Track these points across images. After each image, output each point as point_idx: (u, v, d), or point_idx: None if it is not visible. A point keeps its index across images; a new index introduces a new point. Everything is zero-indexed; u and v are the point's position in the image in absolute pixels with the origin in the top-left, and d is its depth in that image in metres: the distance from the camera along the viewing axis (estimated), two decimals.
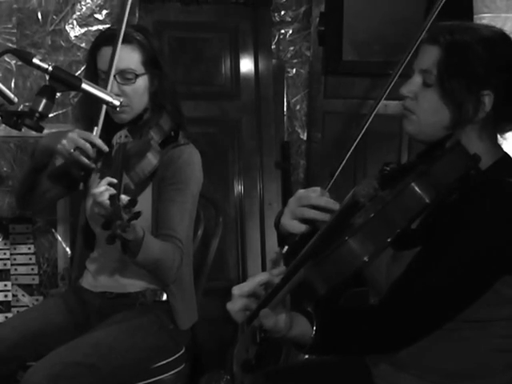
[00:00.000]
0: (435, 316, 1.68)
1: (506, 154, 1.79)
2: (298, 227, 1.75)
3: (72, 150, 2.28)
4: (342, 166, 1.88)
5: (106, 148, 2.31)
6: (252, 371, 1.63)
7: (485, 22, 2.81)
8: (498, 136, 1.80)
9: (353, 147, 1.85)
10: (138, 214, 2.02)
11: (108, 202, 2.05)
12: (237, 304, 1.62)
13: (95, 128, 2.33)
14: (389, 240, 1.53)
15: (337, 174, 1.86)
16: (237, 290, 1.63)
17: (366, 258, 1.51)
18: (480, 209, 1.64)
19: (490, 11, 2.82)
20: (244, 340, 1.62)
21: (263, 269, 3.36)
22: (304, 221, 1.75)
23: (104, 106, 2.34)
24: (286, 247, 1.79)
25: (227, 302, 1.65)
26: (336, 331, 1.68)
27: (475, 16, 2.84)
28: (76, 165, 2.30)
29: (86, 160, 2.28)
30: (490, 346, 1.73)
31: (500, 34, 1.75)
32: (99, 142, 2.30)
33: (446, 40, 1.71)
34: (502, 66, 1.71)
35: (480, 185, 1.65)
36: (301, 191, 1.79)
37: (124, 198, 2.04)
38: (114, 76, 2.36)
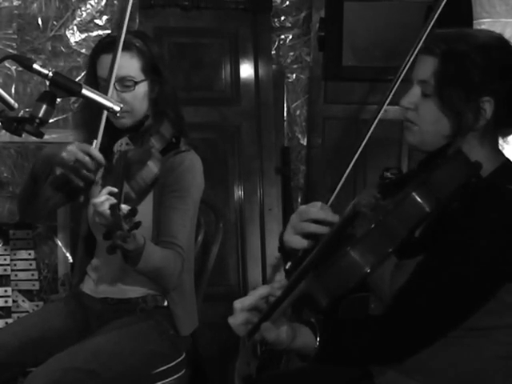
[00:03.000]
0: (439, 326, 1.68)
1: (507, 159, 1.79)
2: (300, 242, 1.75)
3: (72, 163, 2.28)
4: (342, 181, 1.88)
5: (103, 162, 2.31)
6: None
7: (484, 27, 2.81)
8: (500, 140, 1.80)
9: (353, 162, 1.86)
10: (138, 224, 2.02)
11: (109, 211, 2.05)
12: (238, 318, 1.62)
13: (94, 141, 2.33)
14: (390, 250, 1.54)
15: (337, 189, 1.87)
16: (238, 303, 1.64)
17: (367, 269, 1.52)
18: (480, 217, 1.64)
19: (489, 16, 2.82)
20: (245, 354, 1.63)
21: (263, 274, 3.36)
22: (306, 236, 1.75)
23: (103, 119, 2.33)
24: (289, 263, 1.79)
25: (228, 307, 1.66)
26: (340, 342, 1.68)
27: (475, 21, 2.84)
28: (76, 177, 2.29)
29: (85, 172, 2.28)
30: (494, 352, 1.72)
31: (496, 39, 1.75)
32: (98, 155, 2.29)
33: (441, 50, 1.71)
34: (500, 71, 1.71)
35: (480, 192, 1.65)
36: (302, 207, 1.79)
37: (124, 207, 2.05)
38: (114, 83, 2.36)
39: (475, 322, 1.68)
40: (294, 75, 3.62)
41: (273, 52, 3.58)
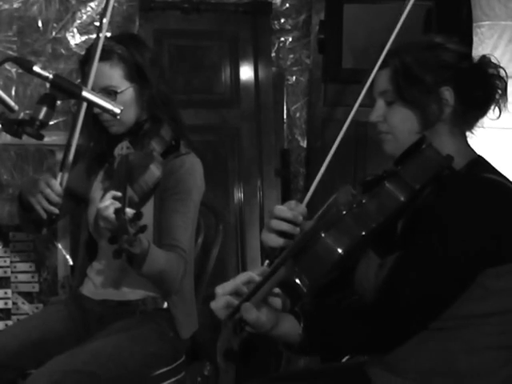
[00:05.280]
0: (422, 312, 1.72)
1: (479, 155, 1.86)
2: (276, 241, 1.82)
3: (36, 194, 2.29)
4: (317, 180, 1.96)
5: (60, 199, 2.31)
6: (235, 360, 1.68)
7: (484, 29, 2.83)
8: (470, 135, 1.89)
9: (327, 161, 1.94)
10: (144, 228, 2.03)
11: (114, 216, 2.04)
12: (220, 302, 1.67)
13: (60, 174, 2.34)
14: (363, 233, 1.62)
15: (313, 187, 1.95)
16: (220, 288, 1.69)
17: (341, 251, 1.59)
18: (455, 205, 1.70)
19: (488, 19, 2.82)
20: (226, 333, 1.67)
21: None
22: (280, 234, 1.82)
23: (74, 146, 2.34)
24: (267, 261, 1.85)
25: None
26: (323, 330, 1.72)
27: (474, 24, 2.85)
28: (39, 207, 2.31)
29: (46, 204, 2.29)
30: (485, 343, 1.74)
31: (438, 37, 1.88)
32: (57, 190, 2.30)
33: (393, 60, 1.85)
34: (449, 61, 1.82)
35: (455, 182, 1.72)
36: (277, 206, 1.87)
37: (129, 211, 2.04)
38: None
39: (457, 309, 1.71)
40: (294, 77, 3.62)
41: (273, 54, 3.58)
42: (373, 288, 1.76)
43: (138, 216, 2.02)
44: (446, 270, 1.69)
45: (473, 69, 1.84)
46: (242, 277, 1.71)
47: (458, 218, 1.69)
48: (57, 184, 2.31)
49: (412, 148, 1.77)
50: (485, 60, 1.86)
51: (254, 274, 1.72)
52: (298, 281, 1.58)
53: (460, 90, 1.81)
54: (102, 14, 2.39)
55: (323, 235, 1.60)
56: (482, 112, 1.87)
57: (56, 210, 2.31)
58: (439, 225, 1.70)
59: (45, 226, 2.38)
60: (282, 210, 1.83)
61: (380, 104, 1.87)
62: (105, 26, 2.34)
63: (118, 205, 2.08)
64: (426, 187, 1.68)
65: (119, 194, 2.14)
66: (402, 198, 1.65)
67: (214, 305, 1.67)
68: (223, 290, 1.68)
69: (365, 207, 1.64)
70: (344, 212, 1.63)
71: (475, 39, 2.80)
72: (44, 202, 2.29)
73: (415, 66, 1.81)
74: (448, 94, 1.81)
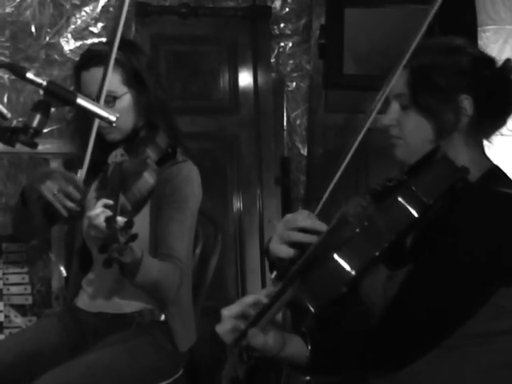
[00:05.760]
0: (432, 333, 1.68)
1: (494, 165, 1.81)
2: (286, 251, 1.76)
3: (55, 192, 2.28)
4: (329, 190, 1.92)
5: (82, 195, 2.31)
6: None
7: (489, 34, 2.84)
8: (485, 143, 1.83)
9: (340, 171, 1.91)
10: (134, 237, 2.01)
11: (104, 224, 2.03)
12: (226, 325, 1.64)
13: (79, 171, 2.33)
14: (377, 254, 1.55)
15: (325, 197, 1.92)
16: (226, 311, 1.65)
17: (353, 273, 1.53)
18: (470, 220, 1.66)
19: (494, 23, 2.84)
20: (232, 360, 1.63)
21: (263, 287, 3.36)
22: (292, 245, 1.77)
23: (91, 145, 2.32)
24: (275, 273, 1.81)
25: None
26: (331, 351, 1.69)
27: (479, 28, 2.85)
28: (60, 206, 2.29)
29: (69, 202, 2.28)
30: (495, 362, 1.71)
31: (459, 40, 1.82)
32: (81, 187, 2.29)
33: (410, 62, 1.77)
34: (469, 67, 1.76)
35: (469, 196, 1.67)
36: (288, 215, 1.82)
37: (120, 219, 2.03)
38: (96, 99, 2.32)
39: (470, 328, 1.67)
40: (294, 83, 3.62)
41: (272, 60, 3.57)
42: (381, 301, 1.72)
43: (129, 224, 2.01)
44: (459, 288, 1.65)
45: (494, 75, 1.78)
46: (249, 299, 1.67)
47: (471, 234, 1.65)
48: (79, 180, 2.30)
49: (425, 158, 1.72)
50: (509, 65, 1.79)
51: (260, 295, 1.67)
52: (306, 302, 1.53)
53: (479, 98, 1.75)
54: (116, 25, 2.35)
55: (335, 255, 1.54)
56: (502, 122, 1.81)
57: (78, 208, 2.30)
58: (451, 240, 1.66)
59: (63, 224, 2.42)
60: (299, 220, 1.78)
61: (395, 107, 1.81)
62: (117, 39, 2.29)
63: (108, 213, 2.08)
64: (440, 200, 1.62)
65: (111, 202, 2.14)
66: (416, 214, 1.58)
67: (220, 328, 1.63)
68: (230, 312, 1.64)
69: (377, 224, 1.58)
70: (357, 230, 1.57)
71: (480, 44, 2.81)
72: (65, 200, 2.27)
73: (432, 71, 1.75)
74: (467, 102, 1.75)
